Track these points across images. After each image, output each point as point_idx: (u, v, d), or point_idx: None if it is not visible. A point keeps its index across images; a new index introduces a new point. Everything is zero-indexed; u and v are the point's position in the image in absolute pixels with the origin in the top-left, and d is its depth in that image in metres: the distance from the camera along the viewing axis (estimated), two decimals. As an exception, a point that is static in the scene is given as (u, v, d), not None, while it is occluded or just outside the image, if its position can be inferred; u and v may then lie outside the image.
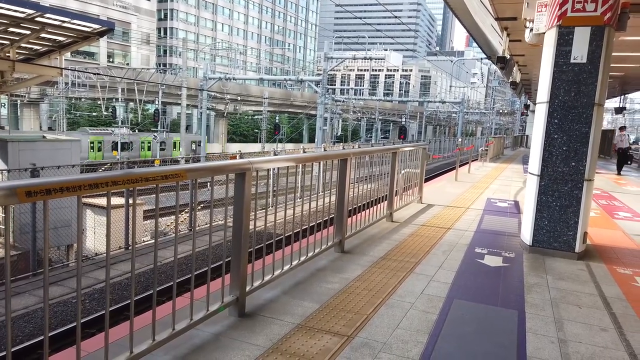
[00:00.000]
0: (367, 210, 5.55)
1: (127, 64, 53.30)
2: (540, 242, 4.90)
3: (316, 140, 28.89)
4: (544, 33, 5.23)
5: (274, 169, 5.35)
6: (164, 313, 2.88)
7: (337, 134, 39.36)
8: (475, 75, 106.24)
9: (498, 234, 5.79)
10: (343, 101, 42.17)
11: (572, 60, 4.82)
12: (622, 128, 17.37)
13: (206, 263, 3.48)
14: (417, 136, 64.71)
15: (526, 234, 5.04)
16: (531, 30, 5.98)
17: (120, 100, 33.52)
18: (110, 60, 55.09)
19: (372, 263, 4.31)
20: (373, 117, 50.58)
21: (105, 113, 35.00)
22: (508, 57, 11.34)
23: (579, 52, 4.80)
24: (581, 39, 4.78)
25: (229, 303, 2.95)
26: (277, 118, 47.43)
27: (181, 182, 2.51)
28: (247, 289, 3.11)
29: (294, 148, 32.86)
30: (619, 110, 26.14)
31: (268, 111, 40.14)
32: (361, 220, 5.30)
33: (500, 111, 64.02)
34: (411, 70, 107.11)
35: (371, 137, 52.65)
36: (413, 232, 5.61)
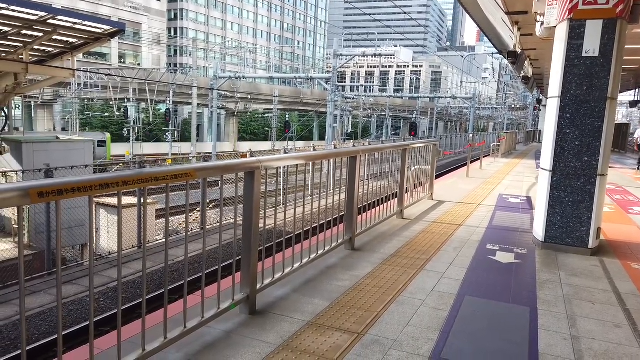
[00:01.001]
0: (378, 208, 5.54)
1: (139, 65, 53.72)
2: (552, 238, 4.85)
3: (326, 137, 28.88)
4: (555, 27, 5.17)
5: (284, 167, 5.37)
6: (175, 311, 2.91)
7: (347, 131, 39.32)
8: (487, 70, 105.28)
9: (510, 230, 5.74)
10: (353, 98, 42.06)
11: (583, 54, 4.75)
12: None
13: (217, 261, 3.50)
14: (428, 132, 64.34)
15: (538, 230, 4.99)
16: (542, 24, 5.91)
17: (132, 100, 33.80)
18: (122, 60, 55.55)
19: (382, 260, 4.30)
20: (383, 113, 50.39)
21: (118, 113, 35.29)
22: (519, 51, 11.22)
23: (591, 45, 4.73)
24: (593, 32, 4.71)
25: (239, 301, 2.97)
26: (288, 116, 47.45)
27: (191, 181, 2.54)
28: (258, 286, 3.13)
29: (304, 146, 32.89)
30: (634, 104, 25.65)
31: (278, 109, 40.19)
32: (371, 218, 5.29)
33: (513, 106, 63.39)
34: (421, 66, 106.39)
35: (382, 134, 52.47)
36: (424, 229, 5.59)
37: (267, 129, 48.13)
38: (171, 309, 2.94)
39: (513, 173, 12.58)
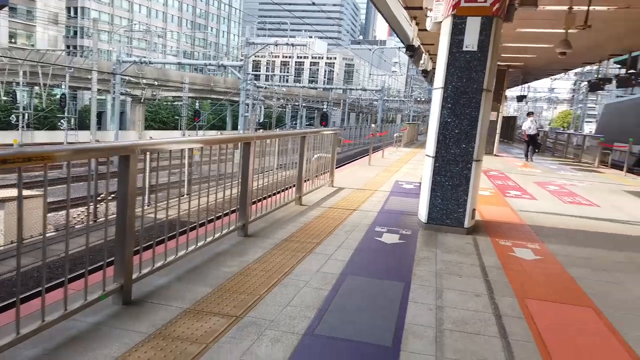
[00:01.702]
0: (276, 196, 5.56)
1: (32, 45, 48.95)
2: (434, 220, 5.21)
3: (239, 127, 28.40)
4: (441, 22, 5.51)
5: (170, 151, 5.17)
6: (36, 307, 2.71)
7: (259, 120, 38.96)
8: (396, 64, 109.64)
9: (400, 214, 6.06)
10: (266, 87, 41.71)
11: (464, 48, 5.12)
12: (530, 114, 17.20)
13: (91, 255, 3.31)
14: (340, 123, 65.75)
15: (422, 212, 5.33)
16: (431, 19, 6.27)
17: (22, 84, 30.67)
18: (13, 40, 50.31)
19: (274, 245, 4.34)
20: (297, 104, 50.60)
21: (5, 98, 31.89)
22: (417, 45, 11.80)
23: (470, 40, 5.11)
24: (472, 28, 5.08)
25: (112, 291, 2.84)
26: (198, 104, 45.94)
27: (50, 164, 2.36)
28: (134, 276, 3.01)
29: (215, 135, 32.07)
30: (520, 98, 28.23)
31: (189, 97, 38.76)
32: (268, 204, 5.30)
33: (418, 99, 66.71)
34: (335, 58, 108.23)
35: (296, 124, 52.71)
36: (320, 215, 5.72)
37: (177, 117, 46.20)
38: (32, 304, 2.74)
39: (412, 161, 13.27)
